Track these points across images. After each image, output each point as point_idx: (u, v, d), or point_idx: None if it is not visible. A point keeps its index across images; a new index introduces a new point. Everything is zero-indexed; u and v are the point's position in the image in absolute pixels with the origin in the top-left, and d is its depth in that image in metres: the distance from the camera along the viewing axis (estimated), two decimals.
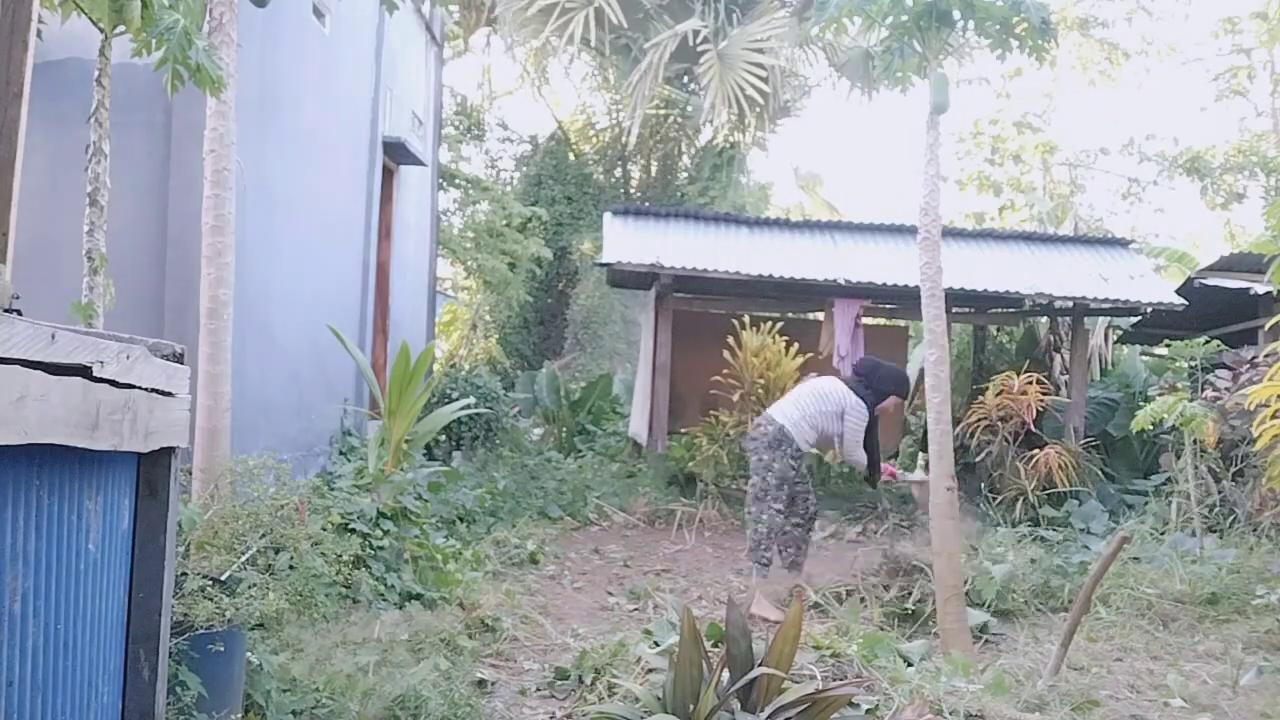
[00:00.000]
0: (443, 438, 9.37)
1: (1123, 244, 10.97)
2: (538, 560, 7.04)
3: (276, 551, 3.89)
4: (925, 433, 6.42)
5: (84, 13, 3.45)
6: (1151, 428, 7.19)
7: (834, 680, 4.03)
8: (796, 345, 9.19)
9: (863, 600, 5.88)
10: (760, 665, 3.41)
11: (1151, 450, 9.75)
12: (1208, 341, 8.67)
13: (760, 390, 8.91)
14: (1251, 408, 5.53)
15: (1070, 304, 9.76)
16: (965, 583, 5.52)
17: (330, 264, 7.84)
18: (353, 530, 5.10)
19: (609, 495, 9.12)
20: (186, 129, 5.48)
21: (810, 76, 16.30)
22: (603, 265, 9.99)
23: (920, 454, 11.53)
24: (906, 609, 5.73)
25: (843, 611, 5.64)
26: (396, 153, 9.24)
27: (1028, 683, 4.36)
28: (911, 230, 8.40)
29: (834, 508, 8.93)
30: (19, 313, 1.94)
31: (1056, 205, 15.98)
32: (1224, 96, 18.90)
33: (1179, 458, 7.98)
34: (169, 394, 2.41)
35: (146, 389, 2.24)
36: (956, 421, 8.06)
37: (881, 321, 11.42)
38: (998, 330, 11.72)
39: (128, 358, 2.12)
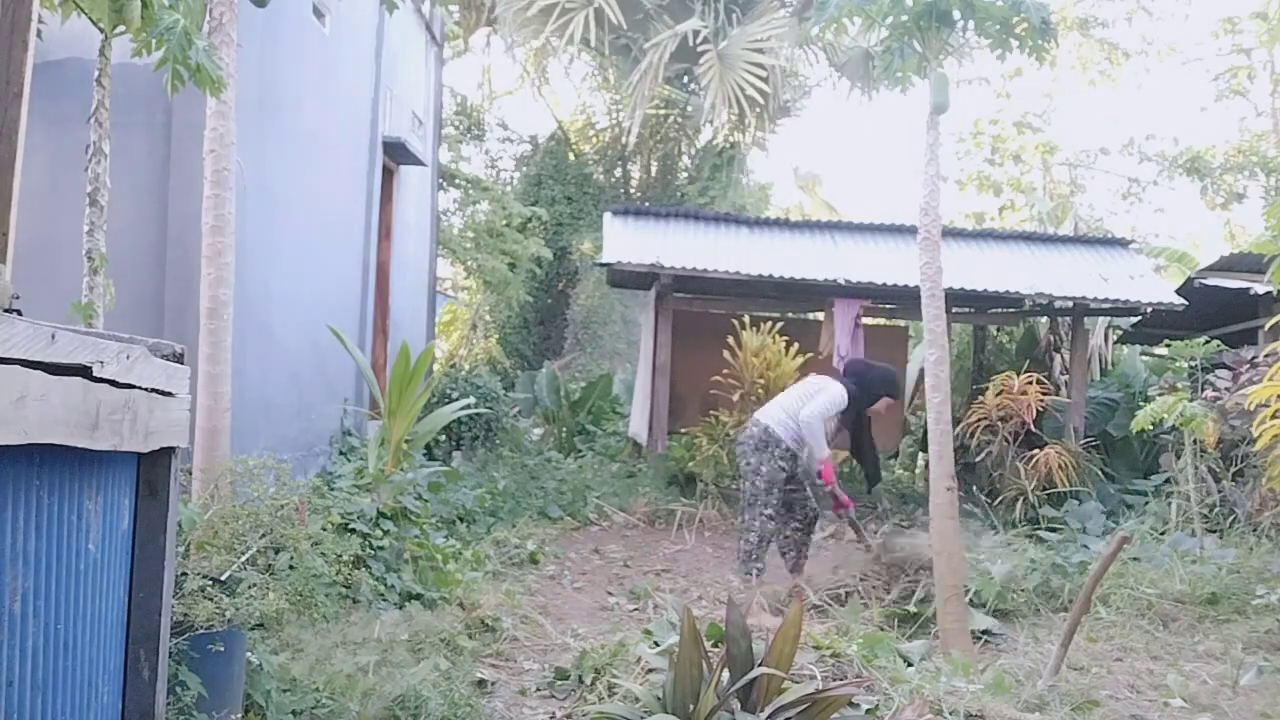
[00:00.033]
0: (443, 438, 9.37)
1: (1123, 244, 10.97)
2: (538, 560, 7.04)
3: (276, 551, 3.89)
4: (925, 433, 6.42)
5: (84, 13, 3.45)
6: (1151, 428, 7.19)
7: (834, 680, 4.02)
8: (796, 345, 9.19)
9: (863, 600, 5.88)
10: (760, 665, 3.41)
11: (1151, 450, 9.74)
12: (1208, 341, 8.66)
13: (760, 390, 8.90)
14: (1251, 408, 5.52)
15: (1070, 304, 9.76)
16: (966, 592, 5.52)
17: (330, 264, 7.84)
18: (353, 530, 5.10)
19: (609, 495, 9.11)
20: (186, 129, 5.48)
21: (810, 76, 16.33)
22: (603, 265, 9.99)
23: (920, 454, 11.58)
24: (907, 609, 5.73)
25: (843, 612, 5.64)
26: (396, 153, 9.24)
27: (1028, 683, 4.36)
28: (911, 230, 8.39)
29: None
30: (19, 313, 1.94)
31: (1056, 205, 15.97)
32: (1224, 96, 18.90)
33: (1179, 458, 7.98)
34: (169, 394, 2.41)
35: (146, 389, 2.24)
36: (956, 421, 8.05)
37: (881, 321, 11.42)
38: (998, 330, 11.71)
39: (128, 358, 2.12)
